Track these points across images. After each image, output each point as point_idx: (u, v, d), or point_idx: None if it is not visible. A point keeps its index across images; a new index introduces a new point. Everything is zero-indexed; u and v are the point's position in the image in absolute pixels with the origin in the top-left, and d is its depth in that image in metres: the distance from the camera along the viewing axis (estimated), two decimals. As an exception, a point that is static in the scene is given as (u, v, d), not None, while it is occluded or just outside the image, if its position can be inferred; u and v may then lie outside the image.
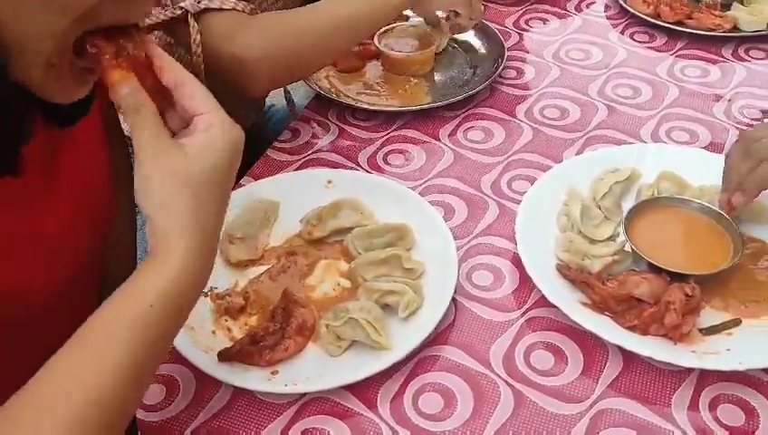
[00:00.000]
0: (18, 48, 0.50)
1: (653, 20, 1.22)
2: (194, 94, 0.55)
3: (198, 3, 0.91)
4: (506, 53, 1.16)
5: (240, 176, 0.99)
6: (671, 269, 0.75)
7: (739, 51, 1.17)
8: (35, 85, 0.53)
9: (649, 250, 0.78)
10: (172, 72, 0.55)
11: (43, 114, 0.60)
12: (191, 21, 0.91)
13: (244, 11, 0.94)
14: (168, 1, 0.92)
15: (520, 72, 1.16)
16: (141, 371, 0.51)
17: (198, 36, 0.91)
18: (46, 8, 0.48)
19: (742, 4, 1.24)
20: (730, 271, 0.76)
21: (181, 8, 0.91)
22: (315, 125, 1.08)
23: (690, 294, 0.72)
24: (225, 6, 0.92)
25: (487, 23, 1.25)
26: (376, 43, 1.17)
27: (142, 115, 0.53)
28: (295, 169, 1.00)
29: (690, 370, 0.71)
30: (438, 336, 0.76)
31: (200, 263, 0.53)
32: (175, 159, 0.53)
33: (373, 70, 1.19)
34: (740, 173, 0.76)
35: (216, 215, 0.56)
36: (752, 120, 1.03)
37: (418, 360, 0.74)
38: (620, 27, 1.26)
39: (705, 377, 0.70)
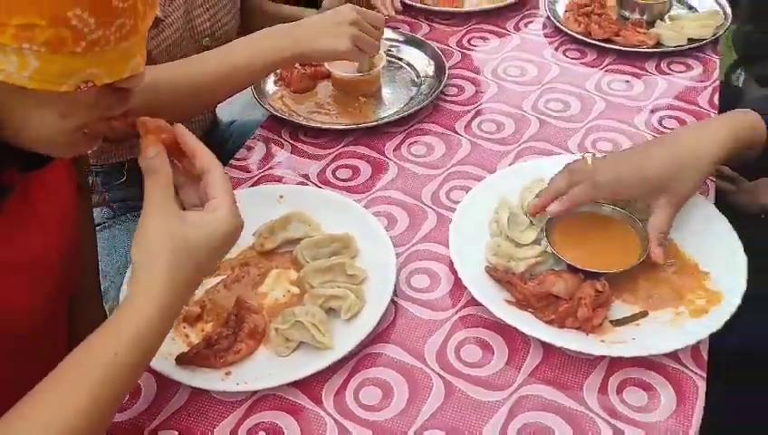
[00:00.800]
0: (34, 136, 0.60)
1: (584, 38, 1.32)
2: (215, 181, 0.65)
3: None
4: (448, 72, 1.25)
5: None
6: (585, 268, 0.84)
7: (662, 65, 1.27)
8: (42, 148, 0.63)
9: (566, 251, 0.86)
10: (202, 158, 0.66)
11: (19, 164, 0.67)
12: None
13: None
14: None
15: (461, 90, 1.25)
16: (107, 404, 0.61)
17: None
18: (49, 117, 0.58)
19: (664, 21, 1.34)
20: (639, 268, 0.85)
21: None
22: (270, 143, 1.16)
23: (600, 290, 0.80)
24: None
25: (433, 42, 1.34)
26: (326, 65, 1.24)
27: (158, 178, 0.63)
28: (251, 185, 1.07)
29: (601, 357, 0.79)
30: (379, 335, 0.84)
31: (167, 320, 0.63)
32: (173, 223, 0.63)
33: (324, 90, 1.26)
34: (558, 189, 0.87)
35: (190, 284, 0.65)
36: (667, 128, 1.12)
37: (360, 357, 0.81)
38: (555, 45, 1.35)
39: (614, 364, 0.79)
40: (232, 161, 1.12)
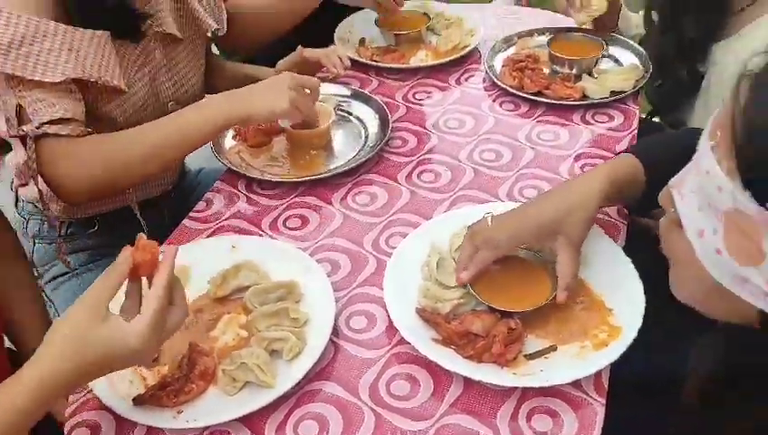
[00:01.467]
0: None
1: (518, 91, 1.44)
2: (149, 304, 0.77)
3: (38, 128, 1.06)
4: (392, 125, 1.36)
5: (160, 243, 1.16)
6: (500, 308, 0.94)
7: (587, 116, 1.39)
8: None
9: (484, 292, 0.96)
10: (160, 277, 0.78)
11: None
12: (30, 143, 1.06)
13: (74, 135, 1.08)
14: (14, 121, 1.07)
15: (404, 141, 1.36)
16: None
17: (34, 155, 1.07)
18: None
19: (591, 75, 1.47)
20: (550, 306, 0.95)
21: (23, 131, 1.06)
22: (227, 195, 1.26)
23: (513, 327, 0.91)
24: (60, 133, 1.07)
25: (380, 97, 1.46)
26: (279, 122, 1.35)
27: (108, 277, 0.76)
28: (207, 236, 1.17)
29: (514, 388, 0.89)
30: (318, 373, 0.93)
31: (37, 401, 0.73)
32: (88, 317, 0.74)
33: (279, 144, 1.37)
34: (467, 256, 0.98)
35: (68, 380, 0.74)
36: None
37: (300, 394, 0.90)
38: (492, 97, 1.47)
39: (525, 394, 0.88)
40: (191, 214, 1.22)
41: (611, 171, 0.97)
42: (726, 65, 1.28)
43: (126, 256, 0.78)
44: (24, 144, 1.08)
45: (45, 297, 1.32)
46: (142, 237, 0.81)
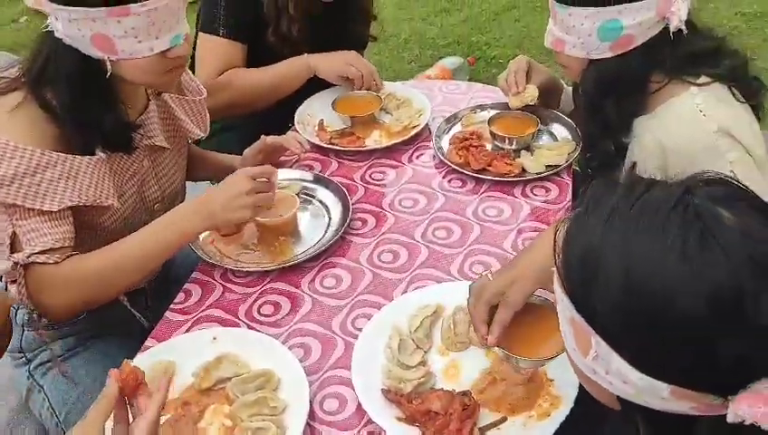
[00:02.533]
0: None
1: (463, 169, 1.59)
2: (138, 425, 0.89)
3: (28, 257, 1.16)
4: (352, 207, 1.49)
5: (144, 338, 1.27)
6: (539, 359, 1.03)
7: (526, 190, 1.55)
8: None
9: (509, 346, 1.05)
10: (155, 402, 0.91)
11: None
12: (20, 270, 1.17)
13: (57, 261, 1.18)
14: (7, 248, 1.17)
15: (364, 222, 1.49)
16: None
17: (23, 281, 1.18)
18: None
19: (529, 150, 1.63)
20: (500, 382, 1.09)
21: (14, 259, 1.17)
22: (204, 286, 1.37)
23: (467, 404, 1.04)
24: (48, 262, 1.17)
25: (339, 179, 1.59)
26: (249, 211, 1.47)
27: (102, 401, 0.88)
28: (189, 326, 1.28)
29: (470, 459, 1.02)
30: (298, 456, 1.04)
31: None
32: None
33: (249, 232, 1.49)
34: (480, 315, 1.08)
35: None
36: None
37: (283, 477, 1.02)
38: (442, 174, 1.62)
39: (480, 463, 1.01)
40: (173, 306, 1.33)
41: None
42: (645, 139, 1.44)
43: (112, 382, 0.90)
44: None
45: (35, 382, 1.40)
46: (128, 364, 0.93)
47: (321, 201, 1.56)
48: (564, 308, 0.74)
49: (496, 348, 1.06)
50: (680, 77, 1.39)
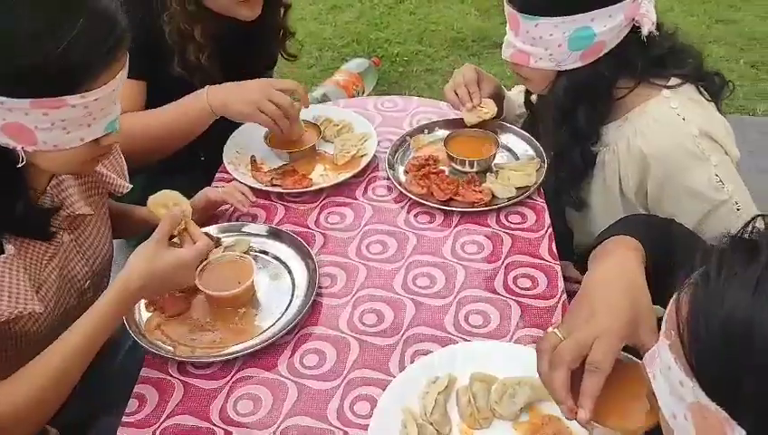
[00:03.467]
0: None
1: (428, 202, 1.44)
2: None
3: None
4: (316, 260, 1.31)
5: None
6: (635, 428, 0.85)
7: (501, 218, 1.43)
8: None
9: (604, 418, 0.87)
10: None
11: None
12: None
13: None
14: None
15: (333, 279, 1.31)
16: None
17: None
18: None
19: (491, 171, 1.51)
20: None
21: None
22: (160, 387, 1.14)
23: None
24: None
25: (291, 227, 1.40)
26: (198, 284, 1.24)
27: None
28: (153, 442, 1.05)
29: None
30: None
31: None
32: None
33: (200, 306, 1.26)
34: (563, 385, 0.86)
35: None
36: (522, 289, 1.27)
37: None
38: (405, 208, 1.47)
39: None
40: (124, 418, 1.09)
41: (638, 253, 0.97)
42: (618, 145, 1.37)
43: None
44: None
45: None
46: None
47: (277, 258, 1.36)
48: (685, 393, 0.62)
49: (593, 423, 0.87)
50: (648, 80, 1.34)
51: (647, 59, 1.32)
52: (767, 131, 2.67)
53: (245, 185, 1.47)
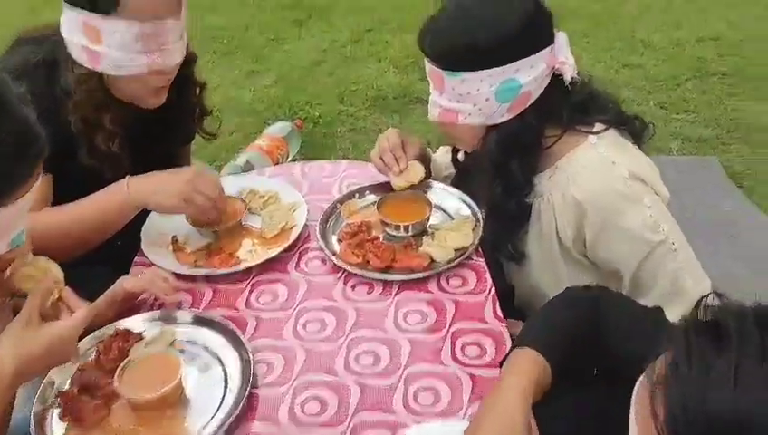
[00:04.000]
0: None
1: (365, 272, 1.37)
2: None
3: None
4: (250, 347, 1.20)
5: None
6: None
7: (442, 283, 1.37)
8: None
9: None
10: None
11: None
12: None
13: None
14: None
15: (270, 366, 1.21)
16: None
17: None
18: None
19: (426, 233, 1.46)
20: None
21: None
22: None
23: None
24: None
25: (222, 311, 1.29)
26: (116, 385, 1.12)
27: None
28: None
29: None
30: None
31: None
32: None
33: (122, 414, 1.13)
34: None
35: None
36: (470, 358, 1.20)
37: None
38: (342, 280, 1.39)
39: None
40: None
41: (528, 386, 0.94)
42: (552, 194, 1.35)
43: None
44: None
45: None
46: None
47: (206, 348, 1.24)
48: None
49: None
50: (575, 127, 1.34)
51: (570, 106, 1.33)
52: (684, 170, 2.75)
53: (167, 270, 1.36)
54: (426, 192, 1.54)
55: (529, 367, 0.98)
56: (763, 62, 3.55)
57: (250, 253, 1.46)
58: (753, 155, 2.89)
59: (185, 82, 1.57)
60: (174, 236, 1.50)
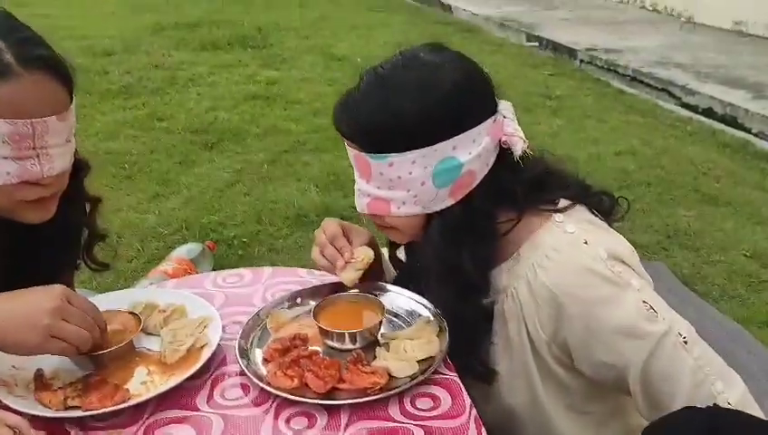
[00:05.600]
0: None
1: (304, 398, 1.02)
2: None
3: None
4: None
5: None
6: None
7: (406, 406, 1.03)
8: None
9: None
10: None
11: None
12: None
13: None
14: None
15: None
16: None
17: None
18: None
19: (379, 343, 1.14)
20: None
21: None
22: None
23: None
24: None
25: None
26: None
27: None
28: None
29: None
30: None
31: None
32: None
33: None
34: None
35: None
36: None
37: None
38: (272, 413, 1.03)
39: None
40: None
41: None
42: (517, 289, 1.10)
43: None
44: None
45: None
46: None
47: None
48: None
49: None
50: (534, 207, 1.12)
51: (525, 184, 1.11)
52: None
53: (23, 414, 0.96)
54: (376, 295, 1.24)
55: None
56: (684, 171, 3.60)
57: (144, 385, 1.08)
58: (698, 259, 2.79)
59: (72, 195, 1.24)
60: (39, 371, 1.10)
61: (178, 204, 3.30)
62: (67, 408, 1.02)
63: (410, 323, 1.21)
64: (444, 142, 1.04)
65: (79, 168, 1.23)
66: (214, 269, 2.69)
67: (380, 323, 1.17)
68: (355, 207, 1.16)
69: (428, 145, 1.04)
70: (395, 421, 1.00)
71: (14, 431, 0.90)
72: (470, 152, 1.05)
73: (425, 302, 1.23)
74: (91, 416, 1.01)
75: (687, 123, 4.44)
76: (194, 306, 1.25)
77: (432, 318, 1.19)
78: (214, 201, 3.34)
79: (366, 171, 1.09)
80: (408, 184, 1.06)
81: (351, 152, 1.11)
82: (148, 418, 1.02)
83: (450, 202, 1.08)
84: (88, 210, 1.31)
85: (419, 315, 1.21)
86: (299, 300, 1.28)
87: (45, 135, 1.05)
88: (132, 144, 4.00)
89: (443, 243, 1.10)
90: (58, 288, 1.04)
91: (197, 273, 2.55)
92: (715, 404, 0.86)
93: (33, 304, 1.01)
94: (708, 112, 4.57)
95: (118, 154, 3.81)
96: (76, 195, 1.26)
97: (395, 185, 1.07)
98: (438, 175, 1.05)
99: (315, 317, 1.16)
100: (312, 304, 1.22)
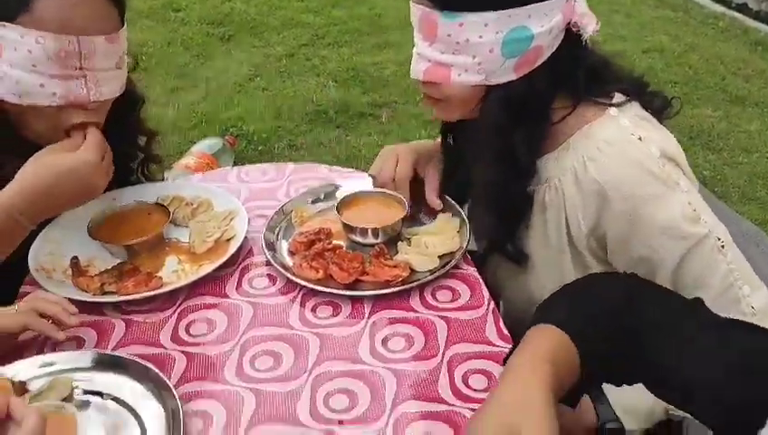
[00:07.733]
0: None
1: (327, 288, 1.07)
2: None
3: None
4: (178, 395, 0.88)
5: None
6: None
7: (427, 298, 1.08)
8: None
9: None
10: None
11: None
12: None
13: None
14: None
15: (207, 420, 0.88)
16: None
17: None
18: None
19: (402, 240, 1.17)
20: None
21: None
22: None
23: None
24: None
25: (138, 351, 0.96)
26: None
27: None
28: None
29: None
30: None
31: None
32: None
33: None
34: None
35: None
36: (476, 390, 0.92)
37: None
38: (298, 301, 1.08)
39: None
40: None
41: (547, 368, 0.69)
42: (562, 180, 1.09)
43: None
44: None
45: None
46: None
47: (117, 399, 0.90)
48: None
49: None
50: (590, 98, 1.08)
51: (587, 71, 1.07)
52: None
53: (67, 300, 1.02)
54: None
55: (549, 346, 0.72)
56: (713, 69, 3.49)
57: (175, 273, 1.13)
58: (719, 160, 2.76)
59: (129, 131, 1.24)
60: (74, 258, 1.15)
61: (197, 98, 3.29)
62: (104, 293, 1.08)
63: (430, 217, 1.24)
64: (519, 8, 0.99)
65: (134, 100, 1.23)
66: (235, 164, 2.72)
67: (403, 218, 1.19)
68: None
69: (504, 8, 0.99)
70: (416, 311, 1.05)
71: (62, 313, 0.95)
72: (542, 25, 1.00)
73: (446, 198, 1.25)
74: (127, 301, 1.06)
75: (720, 19, 4.26)
76: (219, 200, 1.29)
77: (451, 215, 1.22)
78: (232, 96, 3.31)
79: (431, 33, 1.03)
80: (474, 49, 1.01)
81: (418, 12, 1.05)
82: (180, 304, 1.08)
83: (513, 77, 1.04)
84: (143, 144, 1.32)
85: (441, 212, 1.24)
86: (322, 195, 1.30)
87: (93, 56, 1.04)
88: (149, 35, 3.93)
89: (500, 117, 1.07)
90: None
91: (219, 167, 2.58)
92: (633, 273, 0.89)
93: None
94: (742, 8, 4.37)
95: (134, 45, 3.74)
96: (135, 128, 1.26)
97: (461, 49, 1.02)
98: (508, 43, 1.00)
99: (339, 212, 1.19)
100: (336, 199, 1.25)
